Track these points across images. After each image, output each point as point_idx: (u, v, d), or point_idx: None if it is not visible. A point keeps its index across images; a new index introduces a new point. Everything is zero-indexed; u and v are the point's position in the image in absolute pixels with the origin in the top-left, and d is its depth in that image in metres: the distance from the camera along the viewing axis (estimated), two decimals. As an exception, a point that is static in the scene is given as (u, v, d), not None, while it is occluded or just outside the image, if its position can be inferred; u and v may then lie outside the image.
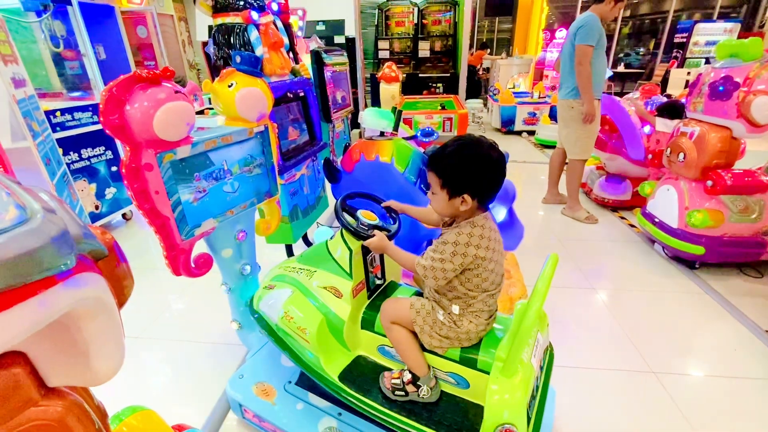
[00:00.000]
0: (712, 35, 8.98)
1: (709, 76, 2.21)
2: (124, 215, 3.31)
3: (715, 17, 9.75)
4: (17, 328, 0.38)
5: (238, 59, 1.38)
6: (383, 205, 1.36)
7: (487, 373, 1.04)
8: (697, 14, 10.52)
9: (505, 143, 6.02)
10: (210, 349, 1.88)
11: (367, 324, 1.26)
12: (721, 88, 2.11)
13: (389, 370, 1.22)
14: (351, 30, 6.11)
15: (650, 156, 2.85)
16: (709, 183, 2.20)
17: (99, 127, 2.94)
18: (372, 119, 2.04)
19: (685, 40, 9.25)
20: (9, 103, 2.01)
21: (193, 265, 1.30)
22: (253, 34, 1.76)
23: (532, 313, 0.92)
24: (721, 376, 1.69)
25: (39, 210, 0.40)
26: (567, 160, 3.33)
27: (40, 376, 0.48)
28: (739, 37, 8.86)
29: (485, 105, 7.65)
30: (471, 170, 0.99)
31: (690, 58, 9.06)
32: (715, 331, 1.96)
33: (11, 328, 0.37)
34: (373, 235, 1.17)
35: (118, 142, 3.10)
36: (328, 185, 2.31)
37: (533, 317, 0.92)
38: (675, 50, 9.50)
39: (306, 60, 2.89)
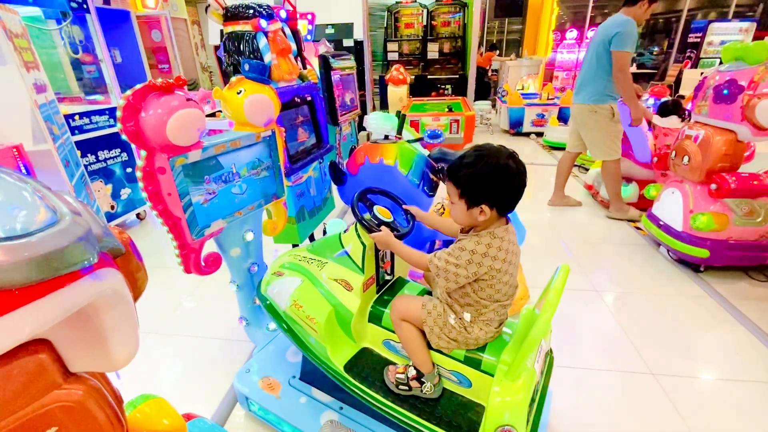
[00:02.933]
0: (727, 35, 8.82)
1: (714, 79, 2.21)
2: (138, 215, 3.41)
3: (730, 16, 9.58)
4: (49, 315, 0.43)
5: (246, 67, 1.44)
6: (404, 207, 1.37)
7: (490, 374, 1.07)
8: (713, 13, 10.35)
9: (513, 145, 5.94)
10: (219, 345, 1.95)
11: (375, 318, 1.29)
12: (725, 91, 2.11)
13: (393, 363, 1.25)
14: (360, 33, 6.17)
15: (656, 159, 2.85)
16: (713, 186, 2.20)
17: (115, 130, 3.05)
18: (376, 123, 2.09)
19: (699, 39, 9.11)
20: (31, 107, 2.11)
21: (203, 264, 1.37)
22: (262, 42, 1.82)
23: (542, 323, 0.93)
24: (721, 379, 1.70)
25: (67, 212, 0.46)
26: (602, 164, 3.19)
27: (63, 362, 0.54)
28: (754, 37, 8.74)
29: (494, 106, 7.64)
30: (488, 181, 0.99)
31: (704, 58, 8.91)
32: (717, 335, 1.96)
33: (44, 315, 0.43)
34: (380, 230, 1.19)
35: (133, 146, 3.21)
36: (334, 187, 2.36)
37: (544, 328, 0.93)
38: (689, 50, 9.36)
39: (315, 63, 2.95)
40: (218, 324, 2.08)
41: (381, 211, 1.30)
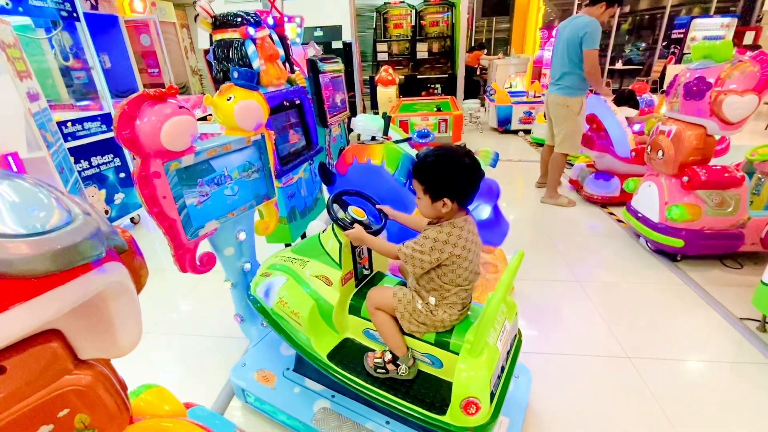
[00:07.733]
0: (710, 30, 9.03)
1: (685, 76, 2.32)
2: (132, 219, 3.46)
3: (712, 12, 9.78)
4: (65, 301, 0.50)
5: (236, 75, 1.51)
6: (377, 207, 1.48)
7: (458, 353, 1.16)
8: (696, 9, 10.55)
9: (501, 143, 6.12)
10: (215, 342, 2.01)
11: (355, 310, 1.38)
12: (695, 88, 2.22)
13: (373, 351, 1.35)
14: (348, 35, 6.23)
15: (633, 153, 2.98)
16: (685, 179, 2.30)
17: (107, 135, 3.09)
18: (363, 124, 2.17)
19: (682, 35, 9.30)
20: (25, 116, 2.16)
21: (198, 263, 1.43)
22: (250, 48, 1.89)
23: (495, 300, 1.04)
24: (692, 360, 1.80)
25: (80, 213, 0.53)
26: (554, 154, 3.54)
27: (73, 350, 0.60)
28: (736, 32, 8.92)
29: (483, 105, 7.75)
30: (448, 177, 1.11)
31: (687, 53, 9.08)
32: (690, 320, 2.06)
33: (62, 301, 0.50)
34: (353, 227, 1.30)
35: (127, 152, 3.25)
36: (325, 187, 2.44)
37: (496, 305, 1.04)
38: (672, 46, 9.56)
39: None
40: (214, 322, 2.14)
41: (355, 211, 1.41)
